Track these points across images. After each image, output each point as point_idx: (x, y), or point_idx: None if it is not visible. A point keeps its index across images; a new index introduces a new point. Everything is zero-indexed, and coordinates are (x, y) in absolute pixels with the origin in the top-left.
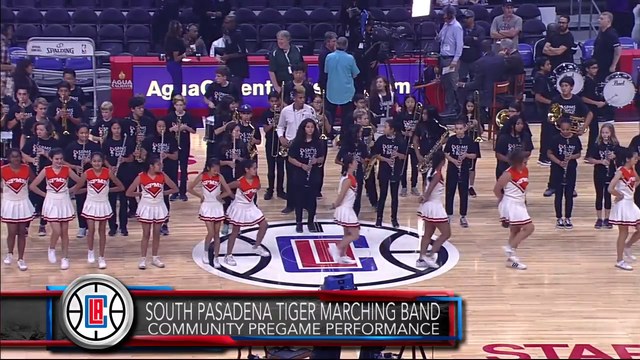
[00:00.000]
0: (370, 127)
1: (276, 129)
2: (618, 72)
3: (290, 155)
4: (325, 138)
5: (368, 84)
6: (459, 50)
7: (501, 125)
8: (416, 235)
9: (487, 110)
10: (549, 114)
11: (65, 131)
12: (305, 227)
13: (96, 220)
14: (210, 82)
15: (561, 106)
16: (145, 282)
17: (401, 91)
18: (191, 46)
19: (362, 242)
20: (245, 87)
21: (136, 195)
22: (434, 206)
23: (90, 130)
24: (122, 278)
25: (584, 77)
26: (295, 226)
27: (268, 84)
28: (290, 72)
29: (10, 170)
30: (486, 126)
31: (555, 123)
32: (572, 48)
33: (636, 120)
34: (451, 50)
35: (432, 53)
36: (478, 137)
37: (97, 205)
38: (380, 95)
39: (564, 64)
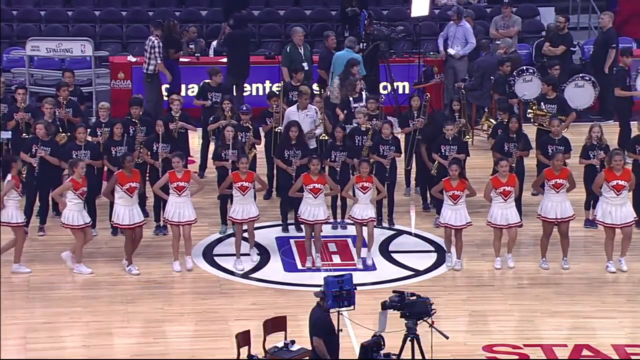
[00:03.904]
0: (369, 127)
1: (276, 129)
2: (580, 75)
3: (276, 156)
4: (326, 138)
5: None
6: (469, 48)
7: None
8: (417, 235)
9: (485, 110)
10: (529, 111)
11: (66, 132)
12: (292, 227)
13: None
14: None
15: (542, 104)
16: (146, 283)
17: (400, 91)
18: (190, 45)
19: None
20: (245, 87)
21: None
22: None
23: (88, 130)
24: (121, 278)
25: (542, 82)
26: (289, 226)
27: (267, 84)
28: (306, 67)
29: (125, 175)
30: (485, 126)
31: (532, 120)
32: (572, 48)
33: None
34: (461, 50)
35: (432, 53)
36: (467, 136)
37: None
38: (351, 97)
39: (524, 67)
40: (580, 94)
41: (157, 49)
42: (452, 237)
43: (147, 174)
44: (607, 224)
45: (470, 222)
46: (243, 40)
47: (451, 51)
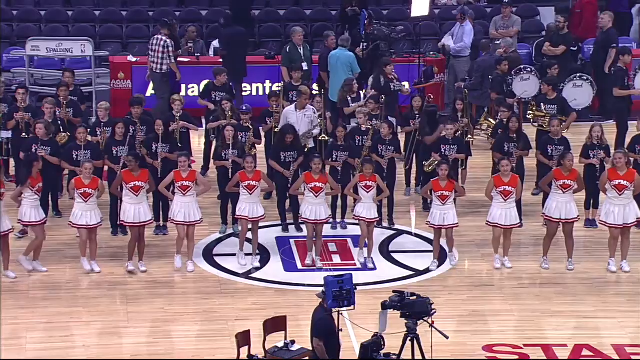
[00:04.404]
0: (370, 127)
1: (277, 129)
2: (578, 75)
3: (271, 158)
4: (326, 138)
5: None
6: (460, 46)
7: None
8: (417, 235)
9: (485, 109)
10: (529, 112)
11: (66, 132)
12: (292, 227)
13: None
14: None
15: (542, 105)
16: (145, 283)
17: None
18: (189, 44)
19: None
20: (245, 87)
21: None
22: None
23: (88, 130)
24: (122, 278)
25: (540, 80)
26: (287, 227)
27: (267, 84)
28: (305, 68)
29: (130, 173)
30: (485, 126)
31: (532, 120)
32: (572, 48)
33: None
34: (453, 43)
35: (432, 53)
36: (469, 136)
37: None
38: (349, 97)
39: (522, 66)
40: (579, 93)
41: (170, 49)
42: (442, 238)
43: None
44: (609, 224)
45: (457, 223)
46: (235, 39)
47: (445, 40)
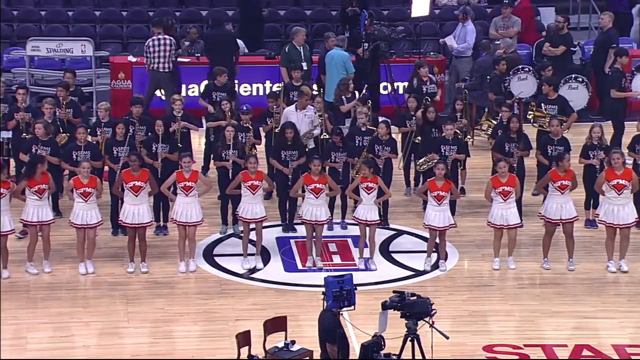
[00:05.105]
0: (373, 128)
1: (277, 130)
2: (573, 76)
3: (271, 157)
4: (327, 137)
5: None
6: (463, 47)
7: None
8: (417, 235)
9: (486, 110)
10: (529, 112)
11: (66, 132)
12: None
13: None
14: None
15: (543, 105)
16: (146, 283)
17: (401, 91)
18: (186, 43)
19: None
20: (245, 87)
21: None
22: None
23: (88, 131)
24: (122, 278)
25: (537, 80)
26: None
27: (267, 84)
28: (305, 68)
29: (130, 174)
30: (485, 126)
31: (532, 121)
32: (572, 48)
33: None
34: (456, 45)
35: (432, 53)
36: (467, 137)
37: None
38: (344, 97)
39: (519, 66)
40: (574, 95)
41: (175, 47)
42: (437, 239)
43: None
44: (608, 223)
45: (454, 224)
46: (220, 40)
47: (448, 41)
